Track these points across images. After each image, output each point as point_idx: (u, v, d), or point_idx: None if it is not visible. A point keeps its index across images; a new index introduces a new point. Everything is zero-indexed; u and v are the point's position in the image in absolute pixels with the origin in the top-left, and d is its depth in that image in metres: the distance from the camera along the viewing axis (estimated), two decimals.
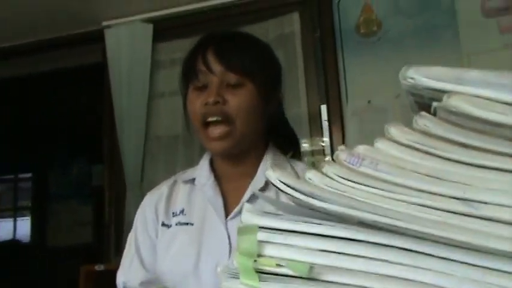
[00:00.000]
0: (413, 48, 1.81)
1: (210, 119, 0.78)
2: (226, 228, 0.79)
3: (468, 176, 0.30)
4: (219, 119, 0.77)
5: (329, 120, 1.90)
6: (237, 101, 0.78)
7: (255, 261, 0.33)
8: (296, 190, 0.32)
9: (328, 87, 1.93)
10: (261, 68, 0.80)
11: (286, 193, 0.32)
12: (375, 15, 1.94)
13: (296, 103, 1.91)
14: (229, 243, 0.77)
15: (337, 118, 1.88)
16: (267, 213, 0.34)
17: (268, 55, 0.86)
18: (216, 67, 0.79)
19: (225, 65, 0.78)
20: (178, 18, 2.09)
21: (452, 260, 0.30)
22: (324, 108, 1.94)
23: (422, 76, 0.30)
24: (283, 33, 2.04)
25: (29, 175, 4.30)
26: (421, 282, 0.30)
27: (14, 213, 4.50)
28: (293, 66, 1.98)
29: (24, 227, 4.28)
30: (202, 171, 0.86)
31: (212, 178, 0.84)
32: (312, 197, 0.31)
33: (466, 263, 0.30)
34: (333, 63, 1.95)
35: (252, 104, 0.79)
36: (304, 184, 0.32)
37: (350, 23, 1.95)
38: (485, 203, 0.29)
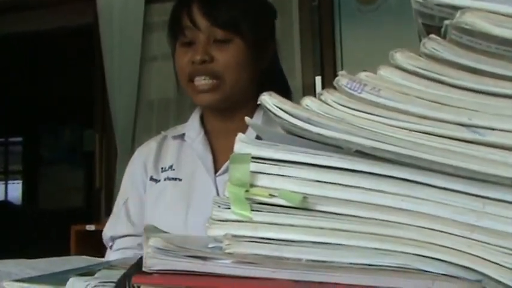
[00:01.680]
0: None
1: (197, 79, 0.76)
2: (215, 184, 0.78)
3: (476, 103, 0.28)
4: (207, 78, 0.75)
5: None
6: (225, 58, 0.75)
7: (247, 191, 0.31)
8: (292, 116, 0.30)
9: (324, 57, 1.90)
10: (250, 23, 0.77)
11: (282, 119, 0.31)
12: None
13: (291, 74, 1.88)
14: None
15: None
16: (261, 143, 0.33)
17: (259, 7, 0.82)
18: (202, 22, 0.75)
19: (211, 20, 0.75)
20: None
21: (451, 190, 0.29)
22: (318, 79, 1.91)
23: None
24: None
25: (19, 139, 4.25)
26: (419, 212, 0.29)
27: (5, 176, 4.48)
28: (288, 35, 1.93)
29: (15, 191, 4.27)
30: (192, 125, 0.84)
31: (202, 133, 0.83)
32: (309, 123, 0.30)
33: (465, 193, 0.29)
34: (329, 32, 1.90)
35: (241, 60, 0.76)
36: (302, 110, 0.30)
37: None
38: (492, 129, 0.28)
